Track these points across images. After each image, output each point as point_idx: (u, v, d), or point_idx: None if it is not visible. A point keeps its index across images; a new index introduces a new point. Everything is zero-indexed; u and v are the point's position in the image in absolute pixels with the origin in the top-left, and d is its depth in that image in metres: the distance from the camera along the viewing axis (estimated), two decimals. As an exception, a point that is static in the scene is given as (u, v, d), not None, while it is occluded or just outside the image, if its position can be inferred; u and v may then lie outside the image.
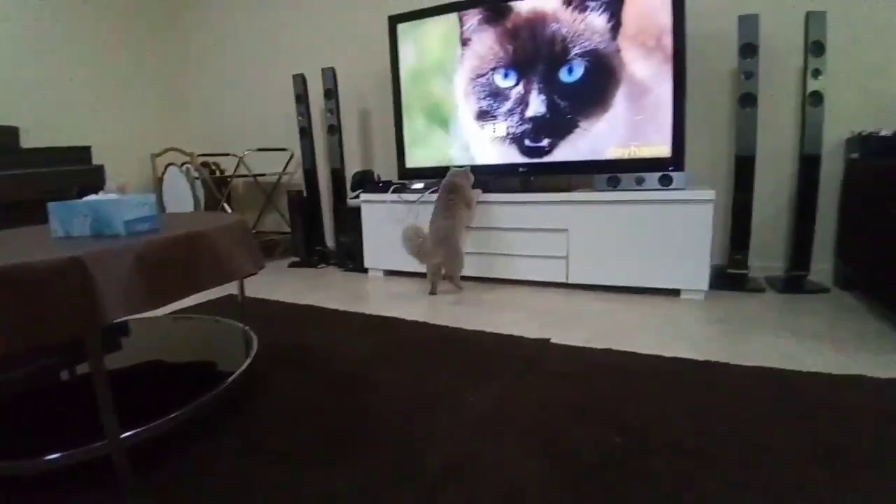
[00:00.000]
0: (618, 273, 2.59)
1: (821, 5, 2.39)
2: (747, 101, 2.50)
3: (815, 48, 2.38)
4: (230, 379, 1.49)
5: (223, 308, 2.45)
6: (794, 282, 2.63)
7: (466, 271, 2.76)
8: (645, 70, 2.54)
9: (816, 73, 2.41)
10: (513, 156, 2.90)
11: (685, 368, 1.69)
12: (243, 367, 1.60)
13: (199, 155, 4.32)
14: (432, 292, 2.75)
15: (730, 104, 2.80)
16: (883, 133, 2.45)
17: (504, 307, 2.47)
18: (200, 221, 1.54)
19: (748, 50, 2.46)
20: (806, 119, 2.46)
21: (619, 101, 2.61)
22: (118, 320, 1.14)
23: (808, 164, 2.51)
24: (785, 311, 2.28)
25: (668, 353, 1.80)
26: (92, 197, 1.46)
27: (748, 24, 2.44)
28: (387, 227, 3.09)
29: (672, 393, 1.51)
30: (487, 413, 1.43)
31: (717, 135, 2.86)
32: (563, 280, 2.71)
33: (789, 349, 1.83)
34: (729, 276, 2.66)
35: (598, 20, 2.59)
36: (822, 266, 2.68)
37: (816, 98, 2.43)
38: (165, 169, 4.09)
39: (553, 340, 1.96)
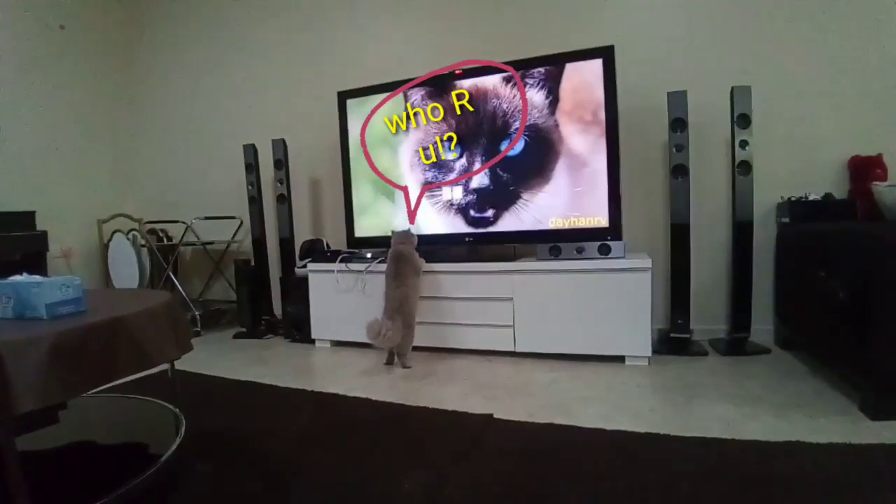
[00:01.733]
0: (564, 341, 2.60)
1: (745, 80, 2.56)
2: (679, 171, 2.62)
3: (742, 121, 2.53)
4: (150, 470, 1.40)
5: (160, 383, 2.32)
6: (735, 344, 2.68)
7: (418, 341, 2.71)
8: (582, 143, 2.65)
9: (744, 143, 2.55)
10: (458, 226, 2.93)
11: (626, 442, 1.67)
12: (166, 455, 1.51)
13: (148, 222, 4.24)
14: (389, 362, 2.69)
15: (664, 173, 2.92)
16: (812, 197, 2.59)
17: (451, 379, 2.42)
18: (126, 303, 1.48)
19: (678, 124, 2.60)
20: (736, 188, 2.58)
21: (559, 173, 2.70)
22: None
23: (742, 231, 2.61)
24: (726, 375, 2.31)
25: (610, 426, 1.78)
26: (16, 278, 1.44)
27: (677, 99, 2.59)
28: (334, 297, 3.05)
29: (612, 470, 1.48)
30: (421, 502, 1.37)
31: (655, 203, 2.97)
32: (510, 349, 2.69)
33: (729, 415, 1.84)
34: (672, 341, 2.70)
35: (536, 96, 2.71)
36: (762, 327, 2.74)
37: (745, 168, 2.56)
38: (112, 236, 3.99)
39: (497, 415, 1.92)
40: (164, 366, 1.60)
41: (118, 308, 1.37)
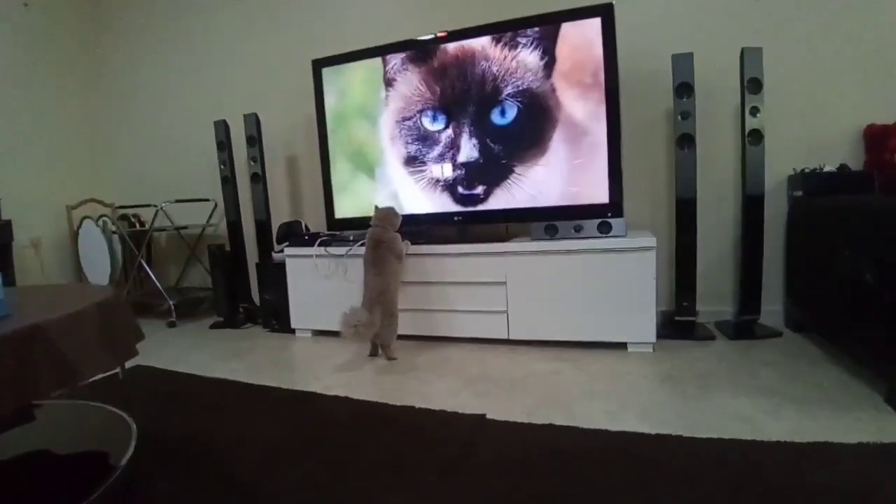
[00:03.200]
0: (562, 327, 2.41)
1: (755, 41, 2.33)
2: (685, 141, 2.40)
3: (753, 85, 2.32)
4: (96, 492, 1.21)
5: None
6: (744, 327, 2.51)
7: (402, 329, 2.51)
8: (579, 111, 2.43)
9: (755, 111, 2.33)
10: (446, 204, 2.71)
11: (636, 446, 1.49)
12: (113, 477, 1.31)
13: (119, 207, 4.01)
14: (372, 353, 2.49)
15: (666, 145, 2.71)
16: (827, 169, 2.39)
17: (439, 372, 2.23)
18: (54, 305, 1.26)
19: (684, 89, 2.37)
20: (747, 159, 2.37)
21: (554, 144, 2.48)
22: None
23: (752, 205, 2.42)
24: (737, 362, 2.14)
25: (616, 427, 1.60)
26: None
27: (682, 62, 2.36)
28: (314, 283, 2.83)
29: (622, 481, 1.30)
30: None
31: (656, 176, 2.76)
32: (504, 336, 2.50)
33: (746, 411, 1.67)
34: (677, 324, 2.52)
35: (529, 58, 2.47)
36: (772, 308, 2.57)
37: (756, 137, 2.35)
38: (81, 222, 3.74)
39: (490, 416, 1.73)
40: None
41: (41, 312, 1.15)
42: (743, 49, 2.32)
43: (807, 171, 2.44)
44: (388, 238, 2.46)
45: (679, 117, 2.39)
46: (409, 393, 1.99)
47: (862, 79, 2.44)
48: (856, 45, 2.42)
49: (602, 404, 1.79)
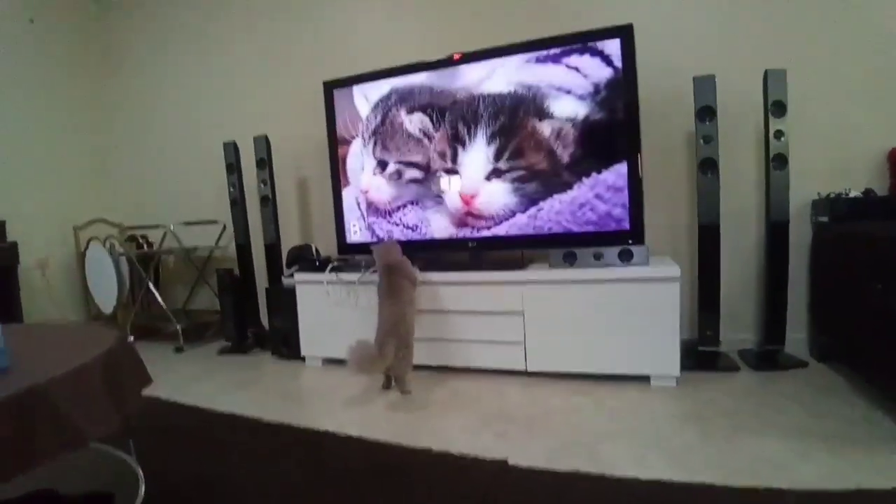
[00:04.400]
0: (581, 360, 2.32)
1: (776, 63, 2.27)
2: (708, 166, 2.33)
3: (777, 108, 2.25)
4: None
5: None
6: (768, 357, 2.43)
7: (416, 359, 2.42)
8: (597, 134, 2.36)
9: (779, 134, 2.27)
10: (460, 229, 2.65)
11: (668, 496, 1.40)
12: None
13: (127, 227, 3.97)
14: (386, 386, 2.40)
15: (686, 168, 2.65)
16: (853, 194, 2.32)
17: (456, 408, 2.14)
18: (57, 356, 1.20)
19: (706, 112, 2.31)
20: (771, 183, 2.30)
21: (572, 168, 2.41)
22: None
23: (777, 231, 2.34)
24: (764, 397, 2.06)
25: (645, 474, 1.51)
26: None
27: (704, 85, 2.30)
28: (325, 309, 2.77)
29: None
30: None
31: (676, 200, 2.69)
32: (521, 368, 2.41)
33: (777, 454, 1.59)
34: (700, 355, 2.44)
35: (544, 81, 2.41)
36: (795, 335, 2.48)
37: (780, 161, 2.28)
38: (88, 244, 3.71)
39: (511, 460, 1.64)
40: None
41: (42, 366, 1.09)
42: (766, 71, 2.26)
43: (832, 195, 2.37)
44: (401, 264, 2.40)
45: (701, 141, 2.33)
46: (426, 432, 1.91)
47: (885, 101, 2.37)
48: (878, 66, 2.36)
49: (628, 447, 1.71)
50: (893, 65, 2.34)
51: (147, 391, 1.41)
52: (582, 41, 2.35)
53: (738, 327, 2.62)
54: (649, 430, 1.83)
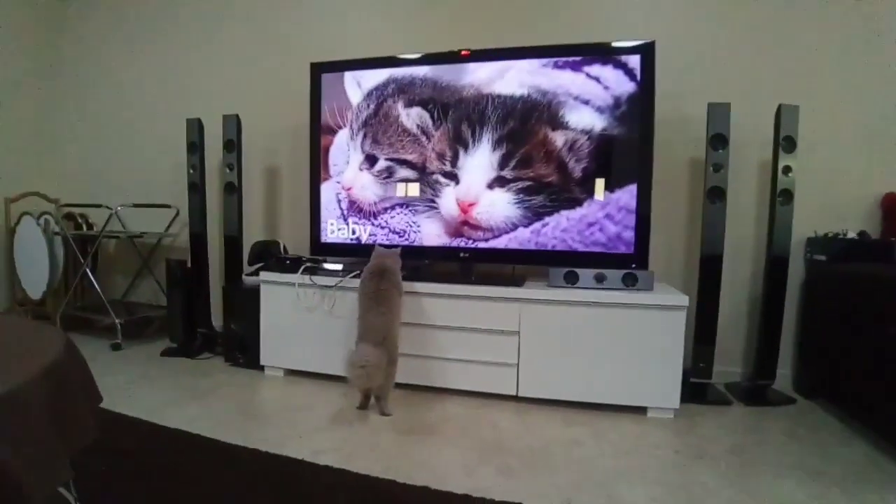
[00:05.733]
0: (576, 387, 2.18)
1: (792, 98, 2.22)
2: (715, 195, 2.26)
3: (787, 144, 2.21)
4: None
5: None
6: (757, 392, 2.39)
7: (398, 377, 2.20)
8: (609, 151, 2.25)
9: (787, 169, 2.23)
10: (451, 238, 2.46)
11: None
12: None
13: (65, 204, 3.52)
14: (362, 406, 2.16)
15: (686, 196, 2.58)
16: (850, 235, 2.32)
17: (447, 436, 1.93)
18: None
19: (718, 141, 2.23)
20: (776, 218, 2.26)
21: (579, 184, 2.28)
22: None
23: (776, 266, 2.30)
24: (765, 435, 2.02)
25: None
26: None
27: (719, 113, 2.23)
28: (293, 315, 2.50)
29: None
30: None
31: (675, 227, 2.61)
32: (511, 392, 2.24)
33: (797, 497, 1.54)
34: (692, 386, 2.35)
35: (555, 91, 2.27)
36: (780, 371, 2.43)
37: (787, 196, 2.24)
38: (20, 219, 3.26)
39: (520, 504, 1.46)
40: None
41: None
42: (780, 105, 2.22)
43: (829, 235, 2.36)
44: (394, 268, 2.18)
45: (711, 169, 2.25)
46: (417, 464, 1.69)
47: (882, 147, 2.39)
48: (879, 112, 2.37)
49: (645, 489, 1.56)
50: (889, 113, 2.35)
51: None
52: (603, 52, 2.23)
53: (725, 360, 2.55)
54: (661, 470, 1.71)
